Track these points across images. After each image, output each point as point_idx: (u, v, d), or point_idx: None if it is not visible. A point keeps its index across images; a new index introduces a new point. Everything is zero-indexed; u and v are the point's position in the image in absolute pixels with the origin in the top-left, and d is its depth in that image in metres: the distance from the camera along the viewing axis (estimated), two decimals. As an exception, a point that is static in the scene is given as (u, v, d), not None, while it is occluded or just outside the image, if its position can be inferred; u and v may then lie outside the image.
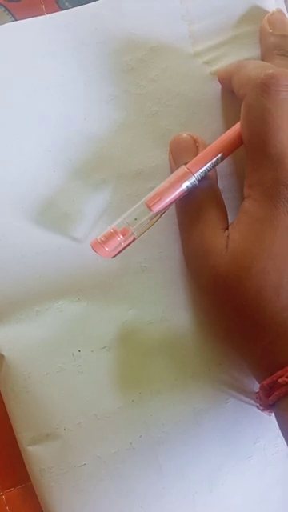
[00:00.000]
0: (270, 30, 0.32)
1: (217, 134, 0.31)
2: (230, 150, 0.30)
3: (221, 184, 0.32)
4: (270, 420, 0.29)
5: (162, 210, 0.29)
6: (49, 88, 0.33)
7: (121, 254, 0.29)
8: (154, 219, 0.29)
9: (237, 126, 0.30)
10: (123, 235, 0.29)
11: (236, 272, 0.27)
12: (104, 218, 0.32)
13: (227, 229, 0.29)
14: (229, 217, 0.30)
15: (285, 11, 0.34)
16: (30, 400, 0.31)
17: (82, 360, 0.31)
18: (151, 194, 0.29)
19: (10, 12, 0.35)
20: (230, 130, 0.30)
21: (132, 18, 0.34)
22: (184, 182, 0.29)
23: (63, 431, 0.31)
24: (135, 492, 0.31)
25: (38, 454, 0.31)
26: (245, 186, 0.29)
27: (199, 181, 0.29)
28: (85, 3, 0.34)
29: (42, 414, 0.31)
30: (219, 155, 0.29)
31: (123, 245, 0.29)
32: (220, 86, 0.33)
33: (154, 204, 0.29)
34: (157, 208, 0.29)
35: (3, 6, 0.35)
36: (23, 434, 0.31)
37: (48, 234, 0.32)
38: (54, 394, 0.31)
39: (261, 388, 0.28)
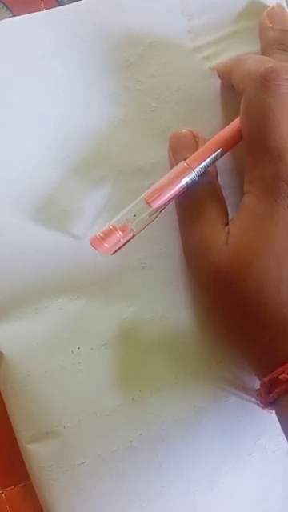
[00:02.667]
0: (270, 25, 0.32)
1: (216, 130, 0.31)
2: (229, 146, 0.30)
3: (221, 180, 0.31)
4: (271, 418, 0.29)
5: (162, 206, 0.29)
6: (49, 87, 0.33)
7: (120, 251, 0.29)
8: (154, 215, 0.29)
9: (236, 121, 0.29)
10: (122, 232, 0.29)
11: (237, 268, 0.27)
12: (103, 214, 0.32)
13: (227, 225, 0.29)
14: (229, 213, 0.30)
15: (284, 5, 0.34)
16: (30, 398, 0.31)
17: (82, 358, 0.31)
18: (150, 189, 0.29)
19: (8, 8, 0.35)
20: (229, 125, 0.30)
21: (130, 14, 0.34)
22: (183, 177, 0.29)
23: (63, 429, 0.31)
24: (135, 490, 0.31)
25: (37, 453, 0.31)
26: (245, 182, 0.29)
27: (199, 176, 0.29)
28: (82, -2, 0.34)
29: (41, 412, 0.31)
30: (219, 150, 0.29)
31: (122, 241, 0.29)
32: (220, 82, 0.33)
33: (154, 200, 0.29)
34: (156, 204, 0.29)
35: (1, 1, 0.35)
36: (22, 433, 0.31)
37: (47, 231, 0.32)
38: (53, 391, 0.31)
39: (261, 385, 0.28)
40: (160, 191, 0.29)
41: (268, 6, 0.33)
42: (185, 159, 0.29)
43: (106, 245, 0.28)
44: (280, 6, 0.33)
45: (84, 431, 0.31)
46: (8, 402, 0.31)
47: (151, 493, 0.31)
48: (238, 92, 0.29)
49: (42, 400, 0.31)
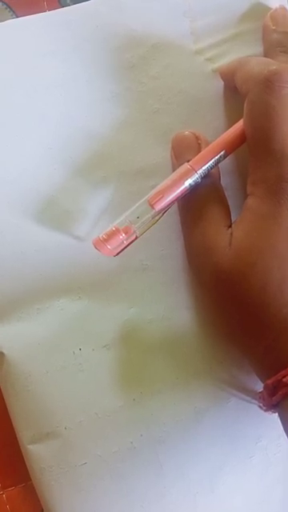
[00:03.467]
0: (273, 27, 0.32)
1: (219, 132, 0.31)
2: (232, 148, 0.29)
3: (223, 182, 0.31)
4: (272, 419, 0.29)
5: (165, 207, 0.29)
6: (49, 87, 0.33)
7: (122, 252, 0.29)
8: (157, 217, 0.29)
9: (239, 123, 0.29)
10: (125, 233, 0.28)
11: (240, 268, 0.27)
12: (105, 216, 0.32)
13: (230, 226, 0.29)
14: (232, 215, 0.30)
15: (288, 8, 0.34)
16: (31, 398, 0.31)
17: (83, 358, 0.31)
18: (153, 191, 0.29)
19: (11, 9, 0.35)
20: (232, 127, 0.30)
21: (133, 15, 0.33)
22: (187, 179, 0.29)
23: (64, 430, 0.31)
24: (136, 491, 0.31)
25: (38, 453, 0.31)
26: (248, 184, 0.29)
27: (202, 178, 0.29)
28: (85, 0, 0.34)
29: (42, 413, 0.31)
30: (222, 152, 0.29)
31: (125, 243, 0.29)
32: (222, 83, 0.33)
33: (157, 202, 0.29)
34: (159, 206, 0.29)
35: (4, 2, 0.35)
36: (23, 433, 0.31)
37: (48, 231, 0.32)
38: (54, 392, 0.31)
39: (264, 387, 0.28)
40: (163, 193, 0.29)
41: (271, 8, 0.33)
42: (188, 161, 0.29)
43: (108, 246, 0.28)
44: (283, 8, 0.33)
45: (85, 432, 0.31)
46: (9, 402, 0.31)
47: (152, 493, 0.31)
48: (241, 94, 0.29)
49: (43, 400, 0.31)
